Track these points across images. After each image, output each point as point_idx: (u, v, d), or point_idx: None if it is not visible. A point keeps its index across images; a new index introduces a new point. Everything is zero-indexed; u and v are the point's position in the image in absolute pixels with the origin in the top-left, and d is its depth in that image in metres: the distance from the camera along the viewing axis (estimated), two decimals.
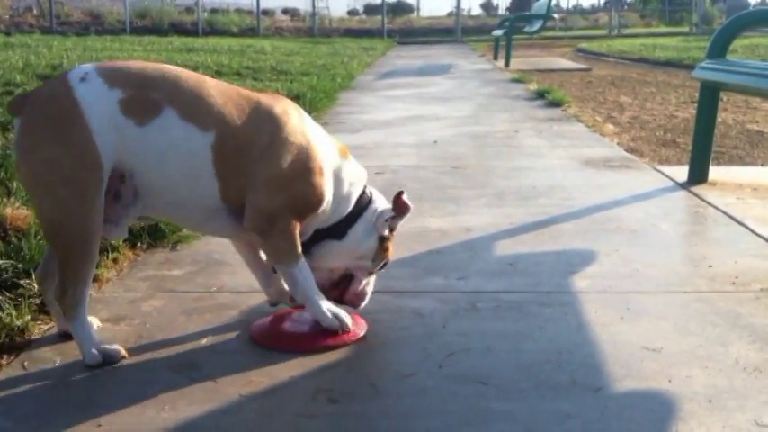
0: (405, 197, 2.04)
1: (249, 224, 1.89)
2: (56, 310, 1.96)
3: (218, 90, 1.90)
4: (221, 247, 2.61)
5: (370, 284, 2.11)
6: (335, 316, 1.96)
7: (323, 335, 1.96)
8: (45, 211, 1.79)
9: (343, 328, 1.95)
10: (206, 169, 1.85)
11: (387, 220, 2.05)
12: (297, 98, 6.32)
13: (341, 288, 2.07)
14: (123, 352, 1.87)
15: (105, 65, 1.86)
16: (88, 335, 1.84)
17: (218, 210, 1.90)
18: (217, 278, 2.43)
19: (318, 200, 1.94)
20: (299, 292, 1.95)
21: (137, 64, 1.89)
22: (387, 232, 2.06)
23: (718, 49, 3.68)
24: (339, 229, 2.00)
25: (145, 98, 1.81)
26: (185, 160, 1.84)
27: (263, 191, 1.87)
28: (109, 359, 1.84)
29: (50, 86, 1.83)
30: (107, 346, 1.85)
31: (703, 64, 3.68)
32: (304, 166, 1.91)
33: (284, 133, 1.90)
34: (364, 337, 1.98)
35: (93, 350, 1.82)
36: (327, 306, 1.97)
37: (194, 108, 1.85)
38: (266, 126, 1.90)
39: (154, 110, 1.81)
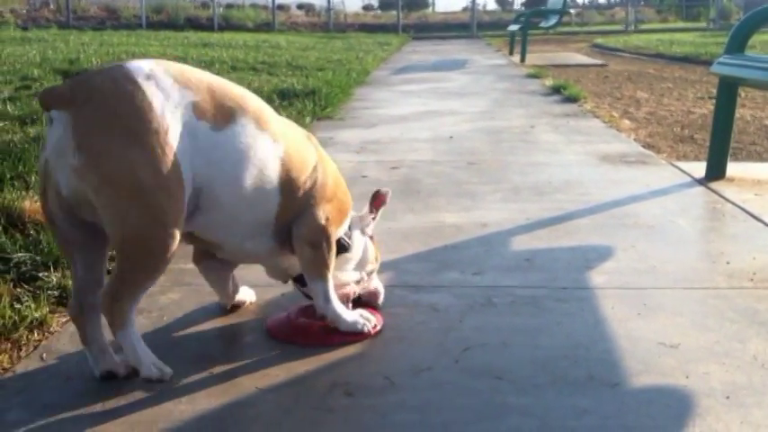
0: (383, 191, 2.07)
1: (306, 238, 1.86)
2: (98, 349, 1.73)
3: None
4: None
5: (378, 282, 2.15)
6: (361, 323, 1.96)
7: (338, 329, 1.97)
8: (128, 223, 1.58)
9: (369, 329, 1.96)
10: (273, 182, 1.78)
11: (373, 219, 2.09)
12: (312, 93, 6.33)
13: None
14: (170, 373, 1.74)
15: (164, 62, 1.70)
16: (144, 347, 1.71)
17: (267, 226, 1.84)
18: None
19: (348, 209, 2.00)
20: (329, 307, 1.93)
21: (192, 67, 1.75)
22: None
23: (737, 45, 3.66)
24: (345, 242, 2.00)
25: (218, 103, 1.69)
26: (257, 171, 1.74)
27: (318, 204, 1.88)
28: (163, 377, 1.71)
29: (112, 80, 1.60)
30: (161, 365, 1.72)
31: (722, 59, 3.66)
32: (338, 179, 1.98)
33: (320, 149, 1.96)
34: (380, 331, 1.98)
35: (153, 366, 1.70)
36: (352, 317, 1.96)
37: (264, 117, 1.78)
38: (311, 140, 1.95)
39: (228, 116, 1.70)
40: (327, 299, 1.93)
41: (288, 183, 1.81)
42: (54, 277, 2.27)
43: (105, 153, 1.55)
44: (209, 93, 1.69)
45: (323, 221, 1.88)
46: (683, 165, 4.03)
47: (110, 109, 1.57)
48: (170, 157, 1.59)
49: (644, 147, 4.64)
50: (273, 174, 1.78)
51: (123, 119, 1.57)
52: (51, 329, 2.02)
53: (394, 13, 26.43)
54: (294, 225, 1.87)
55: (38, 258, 2.39)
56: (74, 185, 1.58)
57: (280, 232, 1.86)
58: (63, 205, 1.63)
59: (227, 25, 23.20)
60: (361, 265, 2.07)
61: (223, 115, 1.69)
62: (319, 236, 1.88)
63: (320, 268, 1.90)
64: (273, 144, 1.78)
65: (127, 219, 1.58)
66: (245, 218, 1.78)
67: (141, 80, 1.60)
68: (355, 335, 1.93)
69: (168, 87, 1.63)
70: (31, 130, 4.31)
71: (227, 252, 1.91)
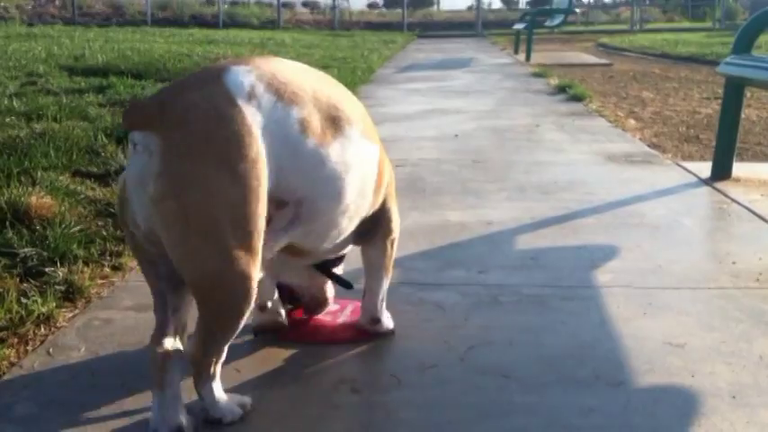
0: None
1: (388, 234, 1.84)
2: (171, 395, 1.51)
3: None
4: None
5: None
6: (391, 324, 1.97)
7: (345, 327, 1.97)
8: (205, 259, 1.39)
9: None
10: (371, 185, 1.70)
11: None
12: None
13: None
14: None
15: (265, 71, 1.50)
16: (224, 397, 1.58)
17: (354, 227, 1.74)
18: None
19: None
20: (379, 304, 1.92)
21: (291, 67, 1.58)
22: None
23: (744, 45, 3.65)
24: None
25: (324, 115, 1.55)
26: (361, 180, 1.65)
27: (392, 198, 1.86)
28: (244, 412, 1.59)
29: (209, 100, 1.41)
30: (239, 403, 1.60)
31: (728, 59, 3.65)
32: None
33: None
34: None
35: (233, 411, 1.57)
36: (390, 318, 1.97)
37: (367, 122, 1.68)
38: None
39: (335, 129, 1.57)
40: (381, 292, 1.91)
41: (378, 182, 1.75)
42: (60, 272, 2.27)
43: (190, 182, 1.36)
44: (315, 104, 1.54)
45: (397, 215, 1.88)
46: (689, 165, 4.03)
47: (204, 134, 1.38)
48: (263, 184, 1.43)
49: (649, 146, 4.63)
50: (372, 177, 1.70)
51: (217, 146, 1.38)
52: (58, 324, 2.03)
53: (399, 11, 26.40)
54: (377, 222, 1.81)
55: (44, 253, 2.39)
56: (149, 218, 1.41)
57: (357, 230, 1.79)
58: (143, 238, 1.47)
59: (232, 22, 23.20)
60: None
61: (330, 129, 1.56)
62: (396, 231, 1.87)
63: (389, 263, 1.89)
64: (373, 148, 1.69)
65: (201, 256, 1.39)
66: (344, 223, 1.68)
67: (242, 102, 1.43)
68: (360, 333, 1.94)
69: (271, 107, 1.46)
70: (37, 126, 4.31)
71: (312, 256, 1.80)
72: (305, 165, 1.52)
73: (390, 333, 1.94)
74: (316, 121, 1.53)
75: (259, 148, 1.42)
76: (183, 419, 1.50)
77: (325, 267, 1.91)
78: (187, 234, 1.38)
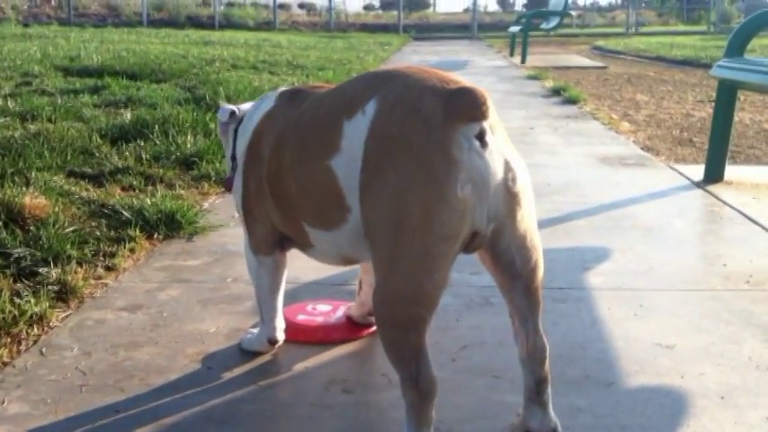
0: None
1: None
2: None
3: None
4: (236, 239, 2.63)
5: None
6: None
7: (337, 327, 1.98)
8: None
9: None
10: None
11: None
12: None
13: None
14: None
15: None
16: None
17: None
18: (232, 269, 2.45)
19: None
20: None
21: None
22: None
23: (737, 48, 3.67)
24: None
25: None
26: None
27: None
28: None
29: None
30: None
31: (721, 62, 3.67)
32: None
33: None
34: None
35: None
36: None
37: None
38: None
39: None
40: None
41: None
42: (54, 273, 2.28)
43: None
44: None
45: None
46: (682, 167, 4.05)
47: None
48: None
49: (643, 149, 4.65)
50: None
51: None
52: (51, 324, 2.03)
53: (395, 13, 26.43)
54: None
55: (38, 254, 2.40)
56: (498, 212, 1.36)
57: None
58: (488, 235, 1.39)
59: (228, 24, 23.20)
60: None
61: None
62: None
63: None
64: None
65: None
66: None
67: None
68: (353, 329, 1.94)
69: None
70: (32, 126, 4.31)
71: None
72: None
73: None
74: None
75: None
76: None
77: None
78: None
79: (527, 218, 1.41)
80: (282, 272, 1.84)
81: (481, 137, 1.32)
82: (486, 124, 1.33)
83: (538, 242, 1.45)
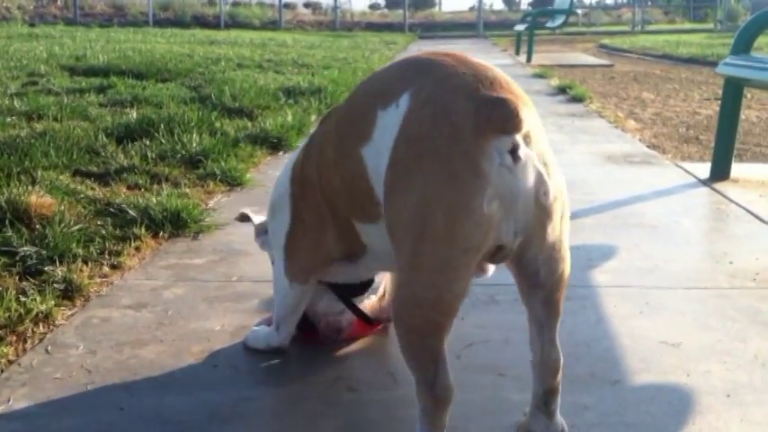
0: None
1: None
2: None
3: None
4: (242, 238, 2.63)
5: None
6: None
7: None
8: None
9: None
10: None
11: None
12: (318, 91, 6.33)
13: None
14: None
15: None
16: None
17: None
18: (237, 267, 2.45)
19: None
20: None
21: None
22: None
23: (743, 46, 3.66)
24: None
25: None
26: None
27: None
28: None
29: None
30: None
31: (727, 60, 3.66)
32: None
33: None
34: (385, 328, 1.99)
35: None
36: None
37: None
38: None
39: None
40: None
41: None
42: (60, 271, 2.28)
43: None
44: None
45: None
46: (688, 165, 4.03)
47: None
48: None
49: (649, 147, 4.64)
50: None
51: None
52: (57, 323, 2.04)
53: (400, 12, 26.43)
54: None
55: (43, 252, 2.40)
56: (527, 225, 1.32)
57: None
58: (515, 248, 1.36)
59: (234, 23, 23.24)
60: None
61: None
62: None
63: None
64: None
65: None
66: None
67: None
68: (359, 328, 1.94)
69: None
70: (38, 126, 4.32)
71: None
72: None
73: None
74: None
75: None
76: None
77: (347, 296, 1.87)
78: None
79: (557, 230, 1.36)
80: (308, 298, 1.82)
81: (514, 151, 1.27)
82: (519, 137, 1.28)
83: (566, 253, 1.41)
